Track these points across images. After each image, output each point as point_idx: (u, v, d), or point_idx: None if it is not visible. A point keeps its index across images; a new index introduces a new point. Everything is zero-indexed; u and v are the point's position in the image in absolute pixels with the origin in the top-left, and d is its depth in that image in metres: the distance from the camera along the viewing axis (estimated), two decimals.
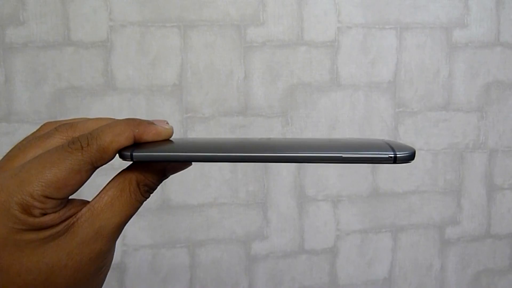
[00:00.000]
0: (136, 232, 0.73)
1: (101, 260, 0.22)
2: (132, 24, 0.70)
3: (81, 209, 0.22)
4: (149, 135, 0.23)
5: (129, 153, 0.22)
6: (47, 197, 0.20)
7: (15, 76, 0.68)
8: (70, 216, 0.22)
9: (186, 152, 0.22)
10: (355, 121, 0.76)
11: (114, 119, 0.24)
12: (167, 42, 0.71)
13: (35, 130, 0.26)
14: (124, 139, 0.22)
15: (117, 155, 0.23)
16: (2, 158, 0.23)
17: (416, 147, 0.79)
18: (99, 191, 0.23)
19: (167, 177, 0.25)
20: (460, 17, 0.77)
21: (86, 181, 0.22)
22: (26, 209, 0.20)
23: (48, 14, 0.68)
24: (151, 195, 0.25)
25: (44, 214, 0.20)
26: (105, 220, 0.22)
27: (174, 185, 0.73)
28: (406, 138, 0.78)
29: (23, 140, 0.24)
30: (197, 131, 0.72)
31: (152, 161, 0.23)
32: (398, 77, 0.77)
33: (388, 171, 0.79)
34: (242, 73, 0.73)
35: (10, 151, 0.23)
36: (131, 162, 0.24)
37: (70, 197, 0.22)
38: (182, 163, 0.26)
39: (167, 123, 0.25)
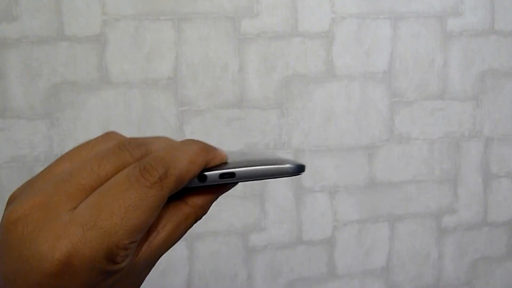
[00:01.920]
0: None
1: (142, 283, 0.22)
2: (125, 18, 0.69)
3: (141, 248, 0.20)
4: (216, 162, 0.22)
5: (204, 174, 0.22)
6: (132, 242, 0.18)
7: (9, 72, 0.68)
8: (134, 256, 0.20)
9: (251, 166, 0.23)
10: (351, 111, 0.77)
11: (176, 141, 0.22)
12: (161, 36, 0.71)
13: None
14: (198, 168, 0.21)
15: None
16: (50, 167, 0.21)
17: (412, 136, 0.79)
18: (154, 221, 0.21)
19: (216, 200, 0.25)
20: (455, 6, 0.77)
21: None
22: (111, 259, 0.18)
23: (41, 9, 0.68)
24: None
25: (126, 258, 0.19)
26: (159, 254, 0.21)
27: None
28: (402, 127, 0.78)
29: (76, 149, 0.21)
30: (192, 125, 0.73)
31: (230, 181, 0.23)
32: (393, 67, 0.77)
33: (384, 161, 0.79)
34: (237, 65, 0.73)
35: (61, 159, 0.21)
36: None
37: None
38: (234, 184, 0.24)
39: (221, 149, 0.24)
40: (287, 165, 0.23)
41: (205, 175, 0.22)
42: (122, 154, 0.20)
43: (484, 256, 0.85)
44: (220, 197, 0.75)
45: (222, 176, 0.22)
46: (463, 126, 0.80)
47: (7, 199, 0.70)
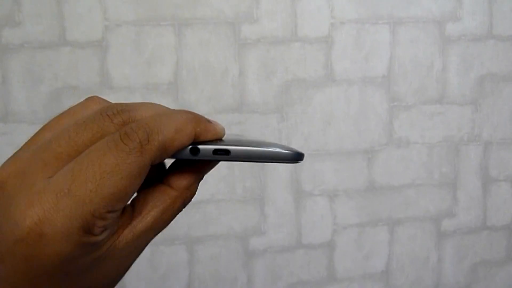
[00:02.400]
0: None
1: (126, 271, 0.21)
2: (127, 23, 0.70)
3: (123, 231, 0.19)
4: (207, 135, 0.21)
5: (197, 147, 0.21)
6: (108, 211, 0.17)
7: (12, 77, 0.69)
8: (114, 233, 0.19)
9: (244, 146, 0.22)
10: (350, 116, 0.77)
11: (168, 108, 0.21)
12: (162, 41, 0.71)
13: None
14: (186, 138, 0.19)
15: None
16: (36, 136, 0.20)
17: (411, 140, 0.80)
18: (137, 205, 0.21)
19: (202, 180, 0.23)
20: (453, 11, 0.78)
21: (140, 184, 0.18)
22: (87, 229, 0.17)
23: (43, 14, 0.68)
24: None
25: (103, 231, 0.18)
26: (144, 240, 0.20)
27: None
28: (401, 132, 0.79)
29: (62, 115, 0.20)
30: None
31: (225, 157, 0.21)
32: (392, 72, 0.77)
33: (383, 165, 0.79)
34: (237, 70, 0.73)
35: (45, 126, 0.20)
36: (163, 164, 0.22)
37: None
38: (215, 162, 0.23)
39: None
40: (285, 151, 0.22)
41: (198, 148, 0.21)
42: (103, 120, 0.19)
43: (484, 260, 0.85)
44: (220, 201, 0.75)
45: (216, 152, 0.21)
46: (462, 130, 0.81)
47: None
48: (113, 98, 0.71)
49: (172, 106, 0.72)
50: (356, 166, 0.78)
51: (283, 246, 0.78)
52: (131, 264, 0.21)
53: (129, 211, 0.20)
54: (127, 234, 0.19)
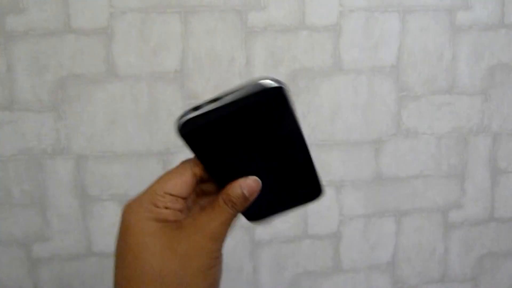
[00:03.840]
0: None
1: (206, 256, 0.27)
2: (132, 11, 0.69)
3: (188, 218, 0.29)
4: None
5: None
6: (165, 192, 0.27)
7: (16, 65, 0.68)
8: (180, 220, 0.28)
9: None
10: (358, 105, 0.76)
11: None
12: (168, 28, 0.70)
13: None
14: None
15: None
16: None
17: (419, 131, 0.79)
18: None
19: (249, 201, 0.30)
20: None
21: (193, 185, 0.28)
22: (153, 202, 0.27)
23: (48, 1, 0.67)
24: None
25: (166, 208, 0.27)
26: (203, 222, 0.28)
27: None
28: (409, 122, 0.78)
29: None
30: None
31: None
32: (401, 61, 0.76)
33: (391, 155, 0.78)
34: (244, 58, 0.72)
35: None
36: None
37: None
38: None
39: None
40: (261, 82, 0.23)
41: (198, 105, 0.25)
42: None
43: (491, 251, 0.85)
44: None
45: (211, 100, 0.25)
46: (471, 121, 0.80)
47: (15, 191, 0.71)
48: (118, 86, 0.70)
49: (178, 94, 0.72)
50: (363, 156, 0.78)
51: (289, 236, 0.78)
52: (209, 249, 0.28)
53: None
54: (188, 219, 0.29)
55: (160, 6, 0.70)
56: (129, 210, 0.27)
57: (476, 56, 0.78)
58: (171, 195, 0.27)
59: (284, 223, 0.77)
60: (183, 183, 0.28)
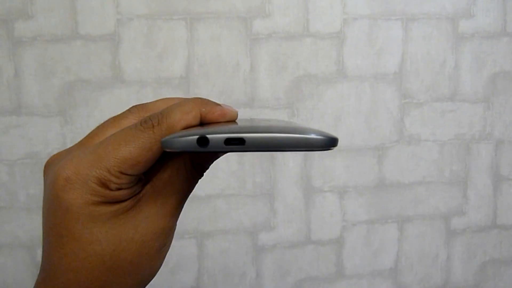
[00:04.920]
0: None
1: (165, 236, 0.24)
2: (139, 17, 0.70)
3: (144, 187, 0.23)
4: (214, 115, 0.23)
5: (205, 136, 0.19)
6: (122, 173, 0.21)
7: (24, 70, 0.69)
8: (137, 193, 0.23)
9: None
10: (361, 112, 0.77)
11: (182, 98, 0.25)
12: (174, 35, 0.71)
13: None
14: (191, 117, 0.22)
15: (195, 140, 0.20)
16: (84, 137, 0.25)
17: (422, 138, 0.79)
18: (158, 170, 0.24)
19: (219, 157, 0.26)
20: (466, 8, 0.77)
21: (156, 159, 0.22)
22: (104, 183, 0.21)
23: (56, 8, 0.69)
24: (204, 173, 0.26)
25: (119, 189, 0.22)
26: (166, 197, 0.24)
27: None
28: (412, 129, 0.79)
29: (103, 122, 0.26)
30: None
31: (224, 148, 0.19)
32: (404, 68, 0.77)
33: (394, 162, 0.79)
34: (248, 65, 0.73)
35: (91, 131, 0.25)
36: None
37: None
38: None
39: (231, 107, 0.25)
40: (313, 136, 0.18)
41: (206, 138, 0.19)
42: (131, 116, 0.25)
43: (493, 258, 0.85)
44: (230, 196, 0.75)
45: (228, 141, 0.19)
46: (473, 128, 0.80)
47: (21, 194, 0.71)
48: (125, 91, 0.71)
49: None
50: (366, 162, 0.78)
51: (292, 242, 0.78)
52: (166, 227, 0.24)
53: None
54: (148, 188, 0.23)
55: (166, 13, 0.71)
56: (68, 186, 0.21)
57: (479, 63, 0.79)
58: (128, 175, 0.21)
59: (288, 228, 0.78)
60: (147, 158, 0.22)
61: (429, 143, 0.79)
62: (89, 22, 0.69)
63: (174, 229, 0.25)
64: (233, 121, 0.23)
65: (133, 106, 0.25)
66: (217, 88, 0.73)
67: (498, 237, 0.84)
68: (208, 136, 0.19)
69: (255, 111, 0.74)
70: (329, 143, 0.18)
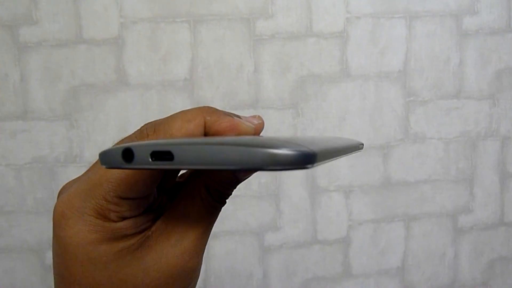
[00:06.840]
0: None
1: (185, 278, 0.19)
2: (142, 21, 0.70)
3: (155, 223, 0.20)
4: (221, 126, 0.19)
5: None
6: (120, 197, 0.18)
7: (30, 75, 0.70)
8: (146, 229, 0.19)
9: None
10: (366, 111, 0.77)
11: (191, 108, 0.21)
12: (178, 37, 0.71)
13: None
14: (193, 126, 0.19)
15: None
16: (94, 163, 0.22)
17: (427, 136, 0.79)
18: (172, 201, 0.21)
19: (242, 181, 0.21)
20: (470, 4, 0.77)
21: (159, 175, 0.18)
22: (102, 214, 0.18)
23: (60, 13, 0.69)
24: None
25: (123, 219, 0.18)
26: (181, 233, 0.19)
27: None
28: (417, 127, 0.78)
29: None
30: None
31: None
32: (408, 66, 0.77)
33: (399, 160, 0.79)
34: (252, 66, 0.73)
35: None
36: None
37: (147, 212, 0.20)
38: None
39: (259, 117, 0.21)
40: (274, 150, 0.13)
41: (130, 151, 0.15)
42: (140, 135, 0.20)
43: (501, 256, 0.84)
44: (235, 197, 0.75)
45: (156, 155, 0.14)
46: (479, 125, 0.80)
47: (28, 198, 0.72)
48: (129, 95, 0.71)
49: (187, 102, 0.73)
50: (371, 161, 0.78)
51: (299, 242, 0.78)
52: (185, 267, 0.19)
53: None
54: (160, 224, 0.19)
55: (169, 16, 0.71)
56: (63, 222, 0.18)
57: (483, 60, 0.78)
58: (128, 199, 0.18)
59: (294, 228, 0.78)
60: (145, 176, 0.18)
61: (435, 141, 0.79)
62: (93, 27, 0.70)
63: (199, 269, 0.21)
64: (252, 135, 0.19)
65: (144, 124, 0.21)
66: (221, 90, 0.73)
67: (506, 235, 0.84)
68: (133, 147, 0.14)
69: (259, 112, 0.74)
70: (298, 160, 0.13)
